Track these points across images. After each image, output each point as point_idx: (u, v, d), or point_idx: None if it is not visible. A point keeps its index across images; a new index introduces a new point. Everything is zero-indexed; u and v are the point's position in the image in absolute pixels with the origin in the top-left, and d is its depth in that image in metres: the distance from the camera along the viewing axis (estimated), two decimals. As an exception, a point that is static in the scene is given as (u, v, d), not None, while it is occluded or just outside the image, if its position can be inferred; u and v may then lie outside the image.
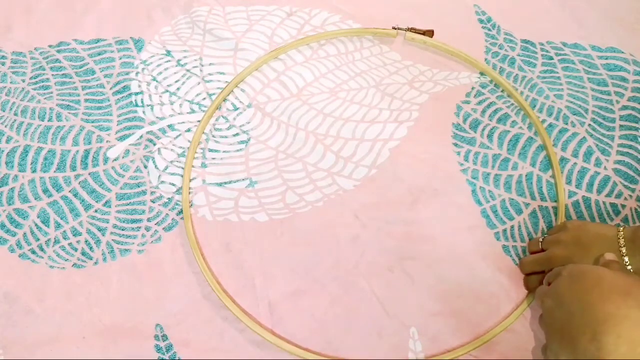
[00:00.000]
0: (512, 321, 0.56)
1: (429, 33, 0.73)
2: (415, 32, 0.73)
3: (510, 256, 0.60)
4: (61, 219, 0.63)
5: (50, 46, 0.75)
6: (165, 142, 0.67)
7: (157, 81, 0.72)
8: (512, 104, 0.68)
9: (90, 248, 0.61)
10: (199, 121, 0.69)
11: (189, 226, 0.60)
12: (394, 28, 0.74)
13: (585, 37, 0.74)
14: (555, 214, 0.61)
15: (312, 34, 0.75)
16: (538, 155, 0.65)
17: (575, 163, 0.64)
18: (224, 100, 0.70)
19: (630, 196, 0.62)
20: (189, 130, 0.68)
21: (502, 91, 0.70)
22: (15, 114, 0.70)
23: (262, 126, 0.68)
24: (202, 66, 0.73)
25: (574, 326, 0.42)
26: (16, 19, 0.78)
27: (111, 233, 0.62)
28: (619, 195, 0.62)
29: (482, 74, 0.71)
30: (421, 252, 0.60)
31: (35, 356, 0.55)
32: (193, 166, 0.66)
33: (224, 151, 0.67)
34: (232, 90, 0.71)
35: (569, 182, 0.63)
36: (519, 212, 0.62)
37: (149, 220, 0.62)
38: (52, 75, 0.73)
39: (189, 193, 0.64)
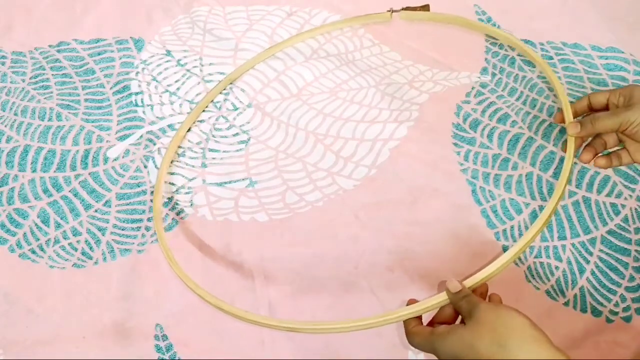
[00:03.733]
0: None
1: (425, 8, 0.72)
2: (410, 10, 0.72)
3: (510, 256, 0.60)
4: (61, 219, 0.63)
5: (50, 46, 0.75)
6: (165, 142, 0.67)
7: (157, 81, 0.72)
8: (513, 104, 0.68)
9: (90, 248, 0.61)
10: (199, 121, 0.69)
11: (162, 238, 0.59)
12: (388, 11, 0.73)
13: (585, 37, 0.73)
14: (556, 214, 0.61)
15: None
16: (538, 155, 0.65)
17: (575, 163, 0.64)
18: (214, 100, 0.70)
19: (630, 196, 0.62)
20: (189, 130, 0.68)
21: (512, 50, 0.69)
22: (15, 114, 0.70)
23: (262, 126, 0.68)
24: (202, 66, 0.73)
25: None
26: (16, 19, 0.78)
27: (111, 233, 0.62)
28: (619, 195, 0.62)
29: (482, 71, 0.71)
30: (421, 252, 0.60)
31: (35, 356, 0.55)
32: (193, 166, 0.66)
33: (224, 151, 0.67)
34: (223, 90, 0.71)
35: (569, 182, 0.63)
36: (519, 212, 0.62)
37: (149, 220, 0.62)
38: (52, 75, 0.73)
39: (188, 193, 0.64)
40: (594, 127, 0.57)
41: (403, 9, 0.72)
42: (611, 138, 0.61)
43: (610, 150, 0.62)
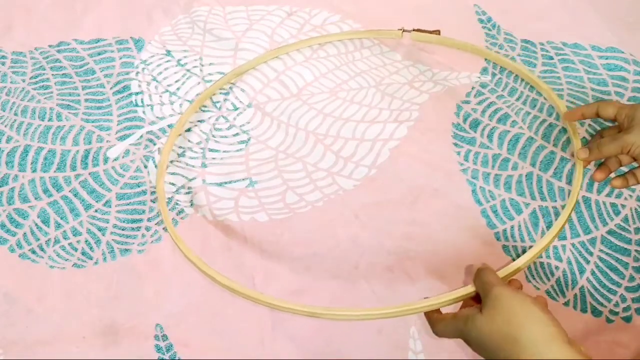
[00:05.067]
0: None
1: (436, 32, 0.72)
2: (421, 32, 0.73)
3: (511, 256, 0.60)
4: (61, 219, 0.63)
5: (50, 46, 0.75)
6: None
7: (157, 81, 0.72)
8: (513, 104, 0.68)
9: (91, 248, 0.61)
10: (199, 121, 0.69)
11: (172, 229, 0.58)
12: (400, 29, 0.73)
13: (585, 37, 0.74)
14: (556, 214, 0.61)
15: (315, 35, 0.75)
16: (538, 155, 0.65)
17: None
18: (214, 95, 0.70)
19: (630, 196, 0.62)
20: (189, 130, 0.68)
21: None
22: (15, 114, 0.70)
23: (262, 126, 0.68)
24: (202, 66, 0.73)
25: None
26: (16, 19, 0.78)
27: (111, 233, 0.62)
28: (619, 196, 0.62)
29: (482, 71, 0.71)
30: (421, 252, 0.60)
31: (35, 356, 0.55)
32: (193, 166, 0.66)
33: (224, 151, 0.67)
34: (222, 86, 0.71)
35: (569, 182, 0.63)
36: (519, 212, 0.62)
37: (149, 220, 0.62)
38: (52, 75, 0.73)
39: (188, 193, 0.64)
40: (600, 152, 0.59)
41: (414, 30, 0.73)
42: (625, 156, 0.61)
43: (625, 169, 0.62)
